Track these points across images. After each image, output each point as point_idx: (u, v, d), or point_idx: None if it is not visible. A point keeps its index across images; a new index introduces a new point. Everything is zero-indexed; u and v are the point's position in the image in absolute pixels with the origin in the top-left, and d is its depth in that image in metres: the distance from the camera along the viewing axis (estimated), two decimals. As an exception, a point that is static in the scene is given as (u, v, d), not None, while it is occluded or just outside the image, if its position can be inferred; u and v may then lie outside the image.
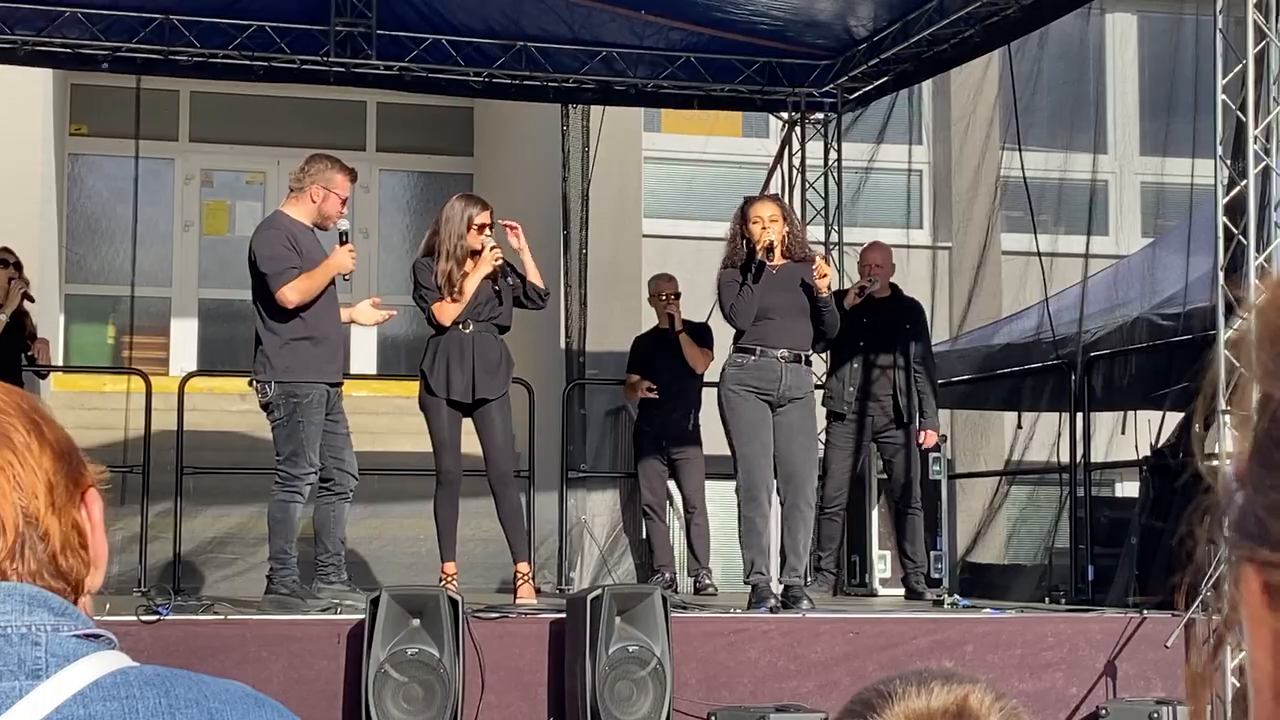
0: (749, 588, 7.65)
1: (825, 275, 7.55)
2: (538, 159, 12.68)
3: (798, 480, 7.58)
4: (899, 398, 9.04)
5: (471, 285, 7.54)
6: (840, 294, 8.52)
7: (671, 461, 9.61)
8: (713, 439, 9.54)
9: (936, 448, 9.35)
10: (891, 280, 9.27)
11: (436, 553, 7.80)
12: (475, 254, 7.58)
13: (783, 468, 7.58)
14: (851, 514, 9.64)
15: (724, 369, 7.70)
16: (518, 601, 7.51)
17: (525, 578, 7.72)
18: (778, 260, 7.64)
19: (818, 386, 8.76)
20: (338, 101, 13.29)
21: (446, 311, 7.59)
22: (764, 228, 7.58)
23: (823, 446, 8.97)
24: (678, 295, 9.65)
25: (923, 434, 9.03)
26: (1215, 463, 0.77)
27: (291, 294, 7.08)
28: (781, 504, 7.64)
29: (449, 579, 7.58)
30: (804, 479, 7.61)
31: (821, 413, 8.88)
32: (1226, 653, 0.75)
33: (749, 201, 7.89)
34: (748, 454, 7.50)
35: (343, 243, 7.28)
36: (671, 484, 9.82)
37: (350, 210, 7.80)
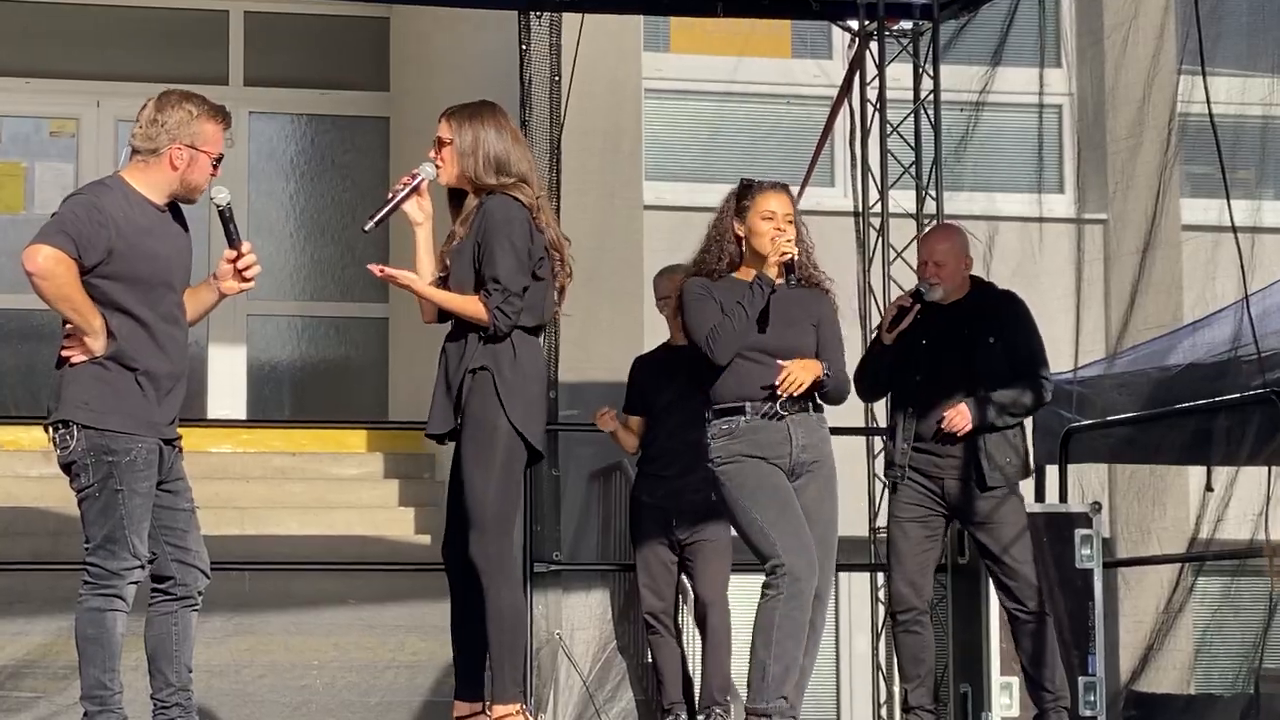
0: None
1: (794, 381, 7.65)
2: (484, 93, 12.66)
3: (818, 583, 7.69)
4: (987, 449, 8.82)
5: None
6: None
7: (683, 546, 9.53)
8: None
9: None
10: (972, 273, 9.16)
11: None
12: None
13: None
14: (958, 624, 9.60)
15: (708, 441, 7.80)
16: None
17: None
18: (777, 278, 7.72)
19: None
20: (187, 11, 13.31)
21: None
22: (779, 228, 7.66)
23: (885, 527, 8.95)
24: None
25: (949, 415, 8.73)
26: None
27: (46, 259, 6.87)
28: None
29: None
30: (822, 585, 7.69)
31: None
32: None
33: (751, 188, 7.92)
34: (777, 522, 7.55)
35: (227, 229, 7.18)
36: (685, 578, 9.76)
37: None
